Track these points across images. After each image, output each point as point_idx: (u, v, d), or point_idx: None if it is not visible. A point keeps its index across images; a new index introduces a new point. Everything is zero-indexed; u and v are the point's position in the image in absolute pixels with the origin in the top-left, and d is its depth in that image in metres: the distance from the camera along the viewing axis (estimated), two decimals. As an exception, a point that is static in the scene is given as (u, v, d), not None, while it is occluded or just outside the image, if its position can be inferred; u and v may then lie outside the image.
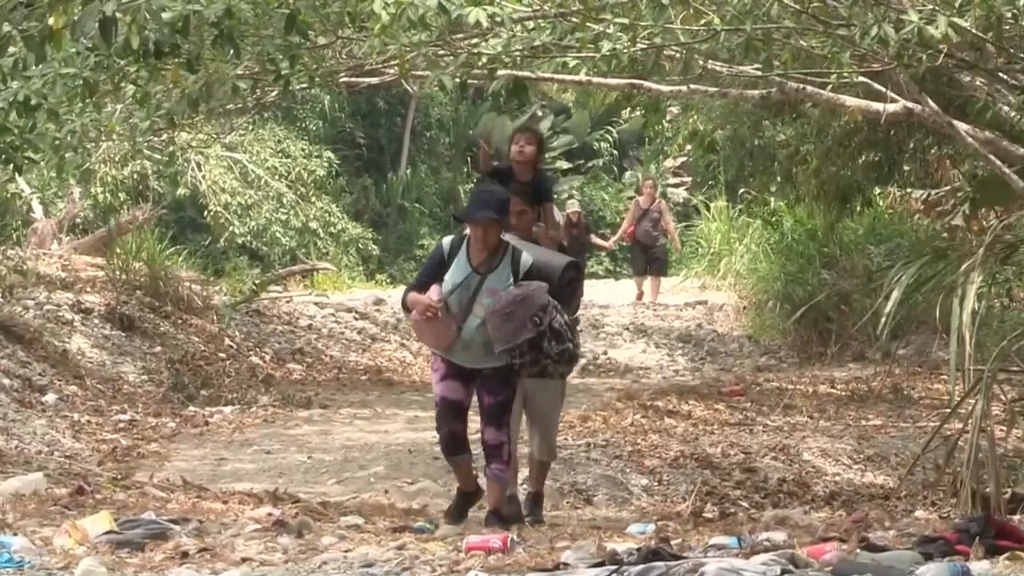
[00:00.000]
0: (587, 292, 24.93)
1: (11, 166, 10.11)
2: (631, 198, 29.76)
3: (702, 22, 9.07)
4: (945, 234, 16.94)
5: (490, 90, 10.31)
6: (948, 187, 16.75)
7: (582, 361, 19.47)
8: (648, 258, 24.21)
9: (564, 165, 36.40)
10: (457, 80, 9.59)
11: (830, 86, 10.38)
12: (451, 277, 9.19)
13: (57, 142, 10.13)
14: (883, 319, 9.54)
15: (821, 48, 9.66)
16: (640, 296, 24.18)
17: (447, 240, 9.44)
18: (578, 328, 9.40)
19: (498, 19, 8.85)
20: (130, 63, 8.51)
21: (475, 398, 9.26)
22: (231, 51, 8.46)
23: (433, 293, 9.19)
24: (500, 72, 9.90)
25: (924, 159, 16.79)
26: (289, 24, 8.40)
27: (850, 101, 11.09)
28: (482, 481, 9.44)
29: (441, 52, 9.74)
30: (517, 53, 9.60)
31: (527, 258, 9.24)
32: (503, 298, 9.06)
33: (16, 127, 8.93)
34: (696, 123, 18.19)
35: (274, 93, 11.34)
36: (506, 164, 10.17)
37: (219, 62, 9.42)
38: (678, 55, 9.47)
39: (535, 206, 9.83)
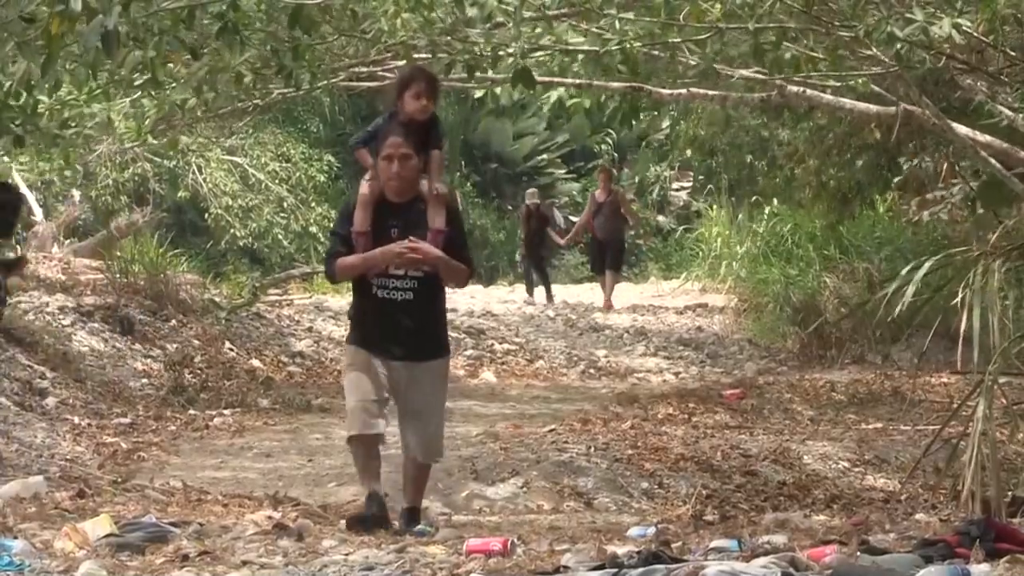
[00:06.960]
0: (585, 295, 25.16)
1: (12, 138, 9.96)
2: (631, 200, 29.55)
3: (705, 19, 9.02)
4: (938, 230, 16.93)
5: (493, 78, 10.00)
6: (943, 185, 16.75)
7: (582, 364, 19.48)
8: (605, 254, 23.03)
9: (562, 171, 36.41)
10: (464, 65, 9.24)
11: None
12: None
13: (60, 131, 10.00)
14: (898, 308, 9.43)
15: (823, 50, 9.65)
16: (607, 304, 22.85)
17: None
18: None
19: (511, 9, 8.73)
20: (132, 49, 8.29)
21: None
22: (236, 42, 8.21)
23: None
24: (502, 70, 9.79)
25: (921, 163, 16.78)
26: (294, 19, 8.31)
27: (850, 104, 11.08)
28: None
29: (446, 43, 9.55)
30: (526, 44, 9.33)
31: None
32: None
33: (17, 106, 8.79)
34: (697, 128, 18.16)
35: (270, 96, 11.27)
36: (391, 110, 8.72)
37: (224, 50, 9.19)
38: (689, 59, 9.41)
39: (422, 153, 8.41)
